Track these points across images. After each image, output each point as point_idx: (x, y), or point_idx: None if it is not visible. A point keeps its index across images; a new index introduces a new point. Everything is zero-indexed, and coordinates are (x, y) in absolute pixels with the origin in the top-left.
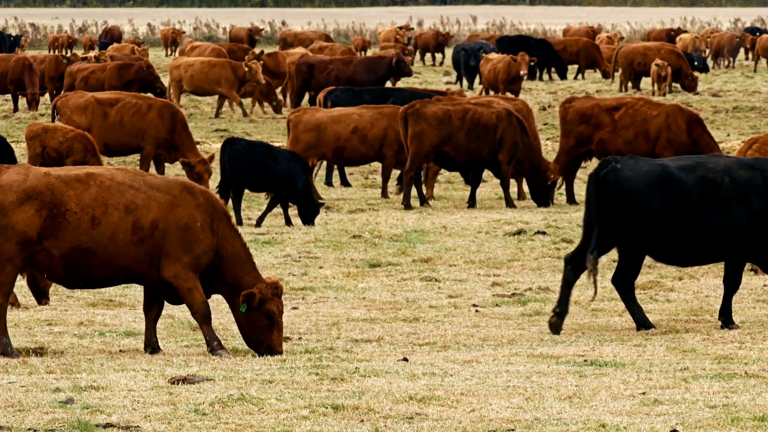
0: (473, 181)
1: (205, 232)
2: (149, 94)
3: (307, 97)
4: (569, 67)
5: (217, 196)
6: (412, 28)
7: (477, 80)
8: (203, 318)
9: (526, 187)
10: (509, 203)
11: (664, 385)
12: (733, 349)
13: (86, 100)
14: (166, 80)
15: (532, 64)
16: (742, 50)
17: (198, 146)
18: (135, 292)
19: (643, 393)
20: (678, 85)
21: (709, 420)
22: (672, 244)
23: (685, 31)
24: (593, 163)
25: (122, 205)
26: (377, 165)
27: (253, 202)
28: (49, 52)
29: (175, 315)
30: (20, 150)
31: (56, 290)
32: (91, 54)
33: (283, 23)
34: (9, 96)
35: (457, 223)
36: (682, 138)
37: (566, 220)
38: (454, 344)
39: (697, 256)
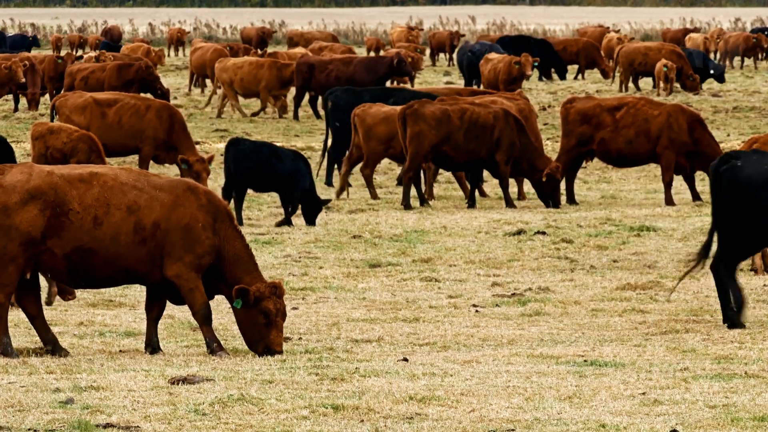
0: (472, 181)
1: (207, 232)
2: (148, 95)
3: (307, 97)
4: (568, 67)
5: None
6: (422, 29)
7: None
8: (204, 319)
9: (526, 187)
10: (509, 203)
11: (664, 385)
12: (733, 349)
13: (85, 100)
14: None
15: (536, 64)
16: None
17: (198, 146)
18: (135, 292)
19: (643, 393)
20: (678, 85)
21: (709, 420)
22: None
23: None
24: (594, 164)
25: (124, 206)
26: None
27: (253, 203)
28: (53, 51)
29: (175, 315)
30: (20, 150)
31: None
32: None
33: (283, 23)
34: (9, 96)
35: (457, 223)
36: (684, 138)
37: (566, 220)
38: (454, 344)
39: None
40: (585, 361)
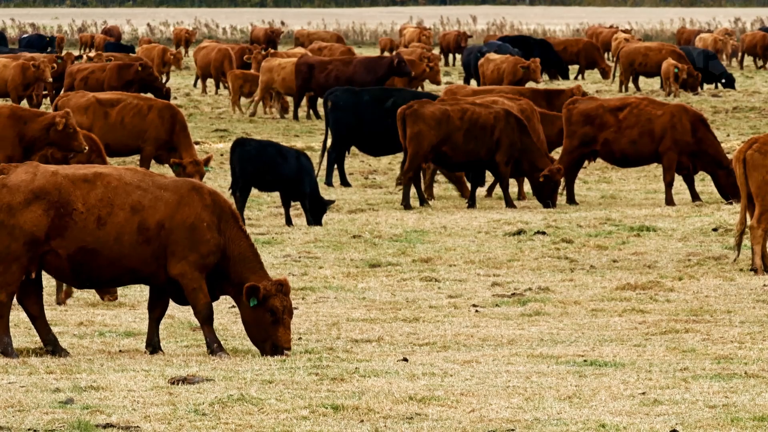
0: (473, 181)
1: (211, 232)
2: (149, 95)
3: (306, 96)
4: (568, 67)
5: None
6: (429, 29)
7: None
8: (205, 319)
9: (526, 188)
10: (509, 203)
11: (664, 385)
12: (733, 349)
13: (87, 100)
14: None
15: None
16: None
17: (197, 146)
18: (135, 292)
19: (643, 393)
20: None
21: (709, 420)
22: None
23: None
24: (594, 164)
25: (128, 206)
26: (377, 165)
27: (253, 203)
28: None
29: (175, 315)
30: None
31: (55, 290)
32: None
33: (283, 23)
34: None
35: (457, 223)
36: (687, 138)
37: (566, 220)
38: (454, 344)
39: None
40: (585, 361)
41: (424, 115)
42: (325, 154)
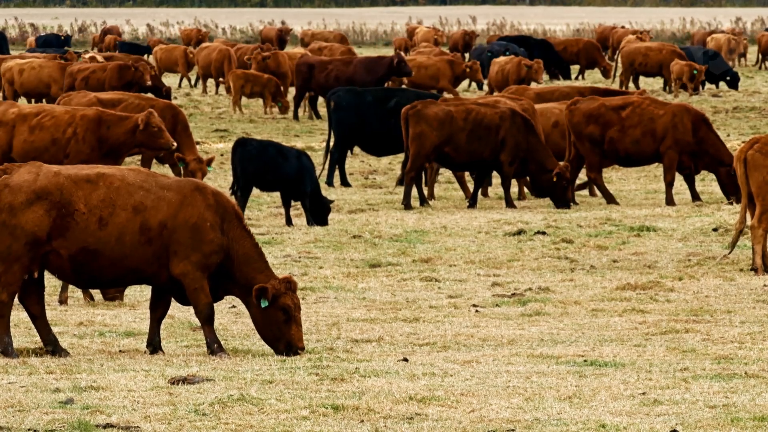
0: (477, 181)
1: (214, 232)
2: (149, 95)
3: (306, 96)
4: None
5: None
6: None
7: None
8: (206, 319)
9: (526, 188)
10: (509, 203)
11: (664, 385)
12: (733, 349)
13: (89, 100)
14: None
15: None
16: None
17: (198, 146)
18: (135, 292)
19: (643, 393)
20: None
21: (709, 420)
22: None
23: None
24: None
25: (130, 206)
26: (377, 165)
27: (253, 203)
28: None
29: (175, 315)
30: None
31: (55, 291)
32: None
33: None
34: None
35: (457, 223)
36: (688, 138)
37: (566, 220)
38: (454, 344)
39: None
40: (585, 361)
41: (427, 116)
42: (328, 154)
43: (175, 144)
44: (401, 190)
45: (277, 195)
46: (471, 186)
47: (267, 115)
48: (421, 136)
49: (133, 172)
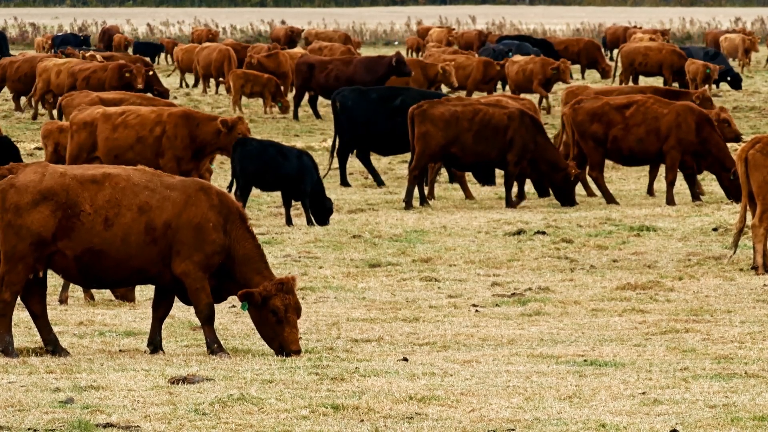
0: (483, 180)
1: (217, 232)
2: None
3: (306, 96)
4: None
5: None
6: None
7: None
8: (206, 319)
9: (526, 187)
10: (509, 203)
11: (664, 385)
12: (733, 349)
13: (91, 99)
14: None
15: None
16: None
17: None
18: (135, 291)
19: (643, 393)
20: (676, 84)
21: (709, 420)
22: None
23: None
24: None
25: (136, 207)
26: (377, 165)
27: (253, 202)
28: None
29: (176, 315)
30: (20, 149)
31: (56, 290)
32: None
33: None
34: (9, 96)
35: (457, 223)
36: (691, 137)
37: (566, 220)
38: (454, 344)
39: None
40: (585, 361)
41: (432, 116)
42: (334, 154)
43: None
44: (402, 190)
45: (276, 195)
46: (471, 186)
47: (267, 115)
48: (426, 136)
49: (138, 172)
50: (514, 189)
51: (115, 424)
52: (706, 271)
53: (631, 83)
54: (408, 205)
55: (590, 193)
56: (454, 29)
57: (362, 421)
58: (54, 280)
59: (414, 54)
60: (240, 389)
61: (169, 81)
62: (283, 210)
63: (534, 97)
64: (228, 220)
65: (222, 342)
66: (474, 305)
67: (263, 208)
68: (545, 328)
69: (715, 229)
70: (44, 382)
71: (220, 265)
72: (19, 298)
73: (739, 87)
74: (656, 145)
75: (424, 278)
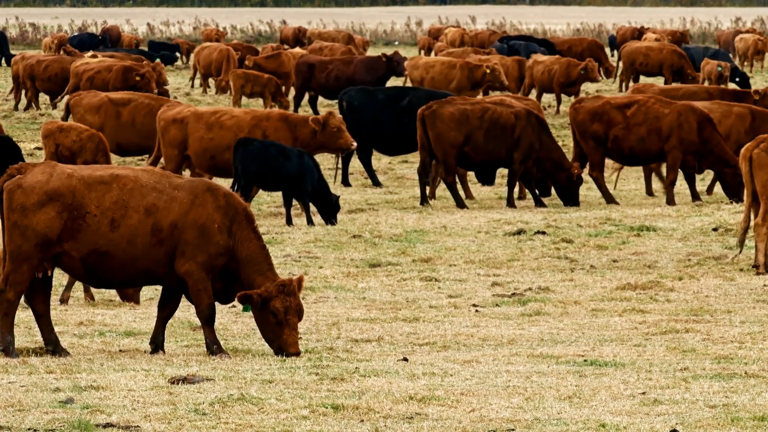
0: (484, 180)
1: (222, 234)
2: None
3: (306, 96)
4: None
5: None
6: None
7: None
8: (207, 319)
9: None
10: (510, 202)
11: (664, 385)
12: (733, 349)
13: (100, 99)
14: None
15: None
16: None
17: None
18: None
19: (643, 393)
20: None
21: (709, 420)
22: None
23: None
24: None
25: (142, 208)
26: (377, 165)
27: (253, 202)
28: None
29: (176, 315)
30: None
31: (56, 290)
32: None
33: (283, 23)
34: (10, 96)
35: (457, 223)
36: (693, 137)
37: (566, 220)
38: (454, 344)
39: None
40: (585, 361)
41: (443, 116)
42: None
43: (355, 144)
44: (402, 190)
45: (276, 194)
46: (471, 186)
47: None
48: (440, 138)
49: (146, 173)
50: (515, 189)
51: (115, 424)
52: (706, 271)
53: (631, 83)
54: (460, 205)
55: (609, 200)
56: (467, 29)
57: (362, 421)
58: (56, 281)
59: (425, 55)
60: (240, 389)
61: (177, 81)
62: (283, 210)
63: (566, 98)
64: (234, 221)
65: (222, 342)
66: (474, 305)
67: (263, 208)
68: (545, 328)
69: (715, 229)
70: (44, 382)
71: (225, 267)
72: (22, 297)
73: (747, 86)
74: (657, 145)
75: (424, 278)
